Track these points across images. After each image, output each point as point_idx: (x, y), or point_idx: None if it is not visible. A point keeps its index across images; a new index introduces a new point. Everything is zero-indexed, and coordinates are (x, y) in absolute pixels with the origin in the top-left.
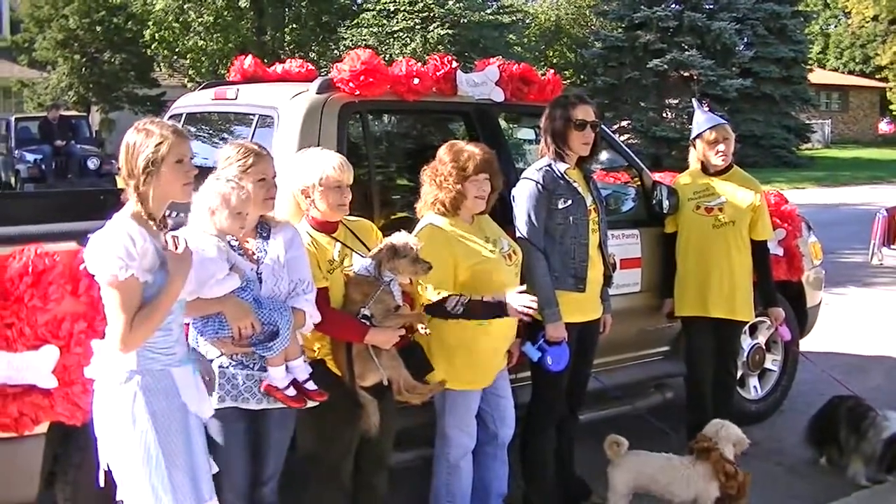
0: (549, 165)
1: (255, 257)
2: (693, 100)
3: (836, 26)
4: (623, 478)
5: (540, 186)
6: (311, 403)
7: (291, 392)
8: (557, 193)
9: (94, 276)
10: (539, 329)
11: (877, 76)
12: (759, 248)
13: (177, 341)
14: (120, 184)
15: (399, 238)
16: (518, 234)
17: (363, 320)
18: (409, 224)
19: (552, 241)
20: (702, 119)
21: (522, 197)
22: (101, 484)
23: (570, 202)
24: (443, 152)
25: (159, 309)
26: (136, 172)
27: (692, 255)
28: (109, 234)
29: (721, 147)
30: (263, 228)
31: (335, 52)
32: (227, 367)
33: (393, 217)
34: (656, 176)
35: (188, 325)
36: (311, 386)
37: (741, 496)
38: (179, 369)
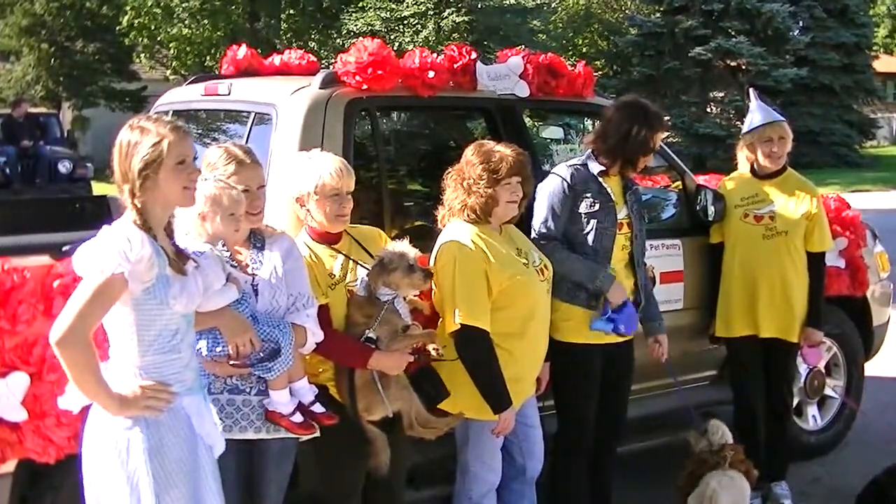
0: (585, 165)
1: (249, 269)
2: (750, 90)
3: None
4: None
5: (566, 185)
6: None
7: (298, 418)
8: (585, 195)
9: (80, 277)
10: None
11: None
12: (814, 262)
13: (187, 366)
14: (100, 190)
15: (387, 249)
16: (533, 234)
17: (368, 343)
18: (426, 234)
19: (570, 248)
20: (756, 113)
21: (545, 193)
22: None
23: (596, 206)
24: (470, 153)
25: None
26: (132, 176)
27: (739, 269)
28: (106, 234)
29: (775, 148)
30: (257, 239)
31: (337, 41)
32: (221, 393)
33: (407, 227)
34: (700, 179)
35: None
36: (318, 409)
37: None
38: (190, 398)
